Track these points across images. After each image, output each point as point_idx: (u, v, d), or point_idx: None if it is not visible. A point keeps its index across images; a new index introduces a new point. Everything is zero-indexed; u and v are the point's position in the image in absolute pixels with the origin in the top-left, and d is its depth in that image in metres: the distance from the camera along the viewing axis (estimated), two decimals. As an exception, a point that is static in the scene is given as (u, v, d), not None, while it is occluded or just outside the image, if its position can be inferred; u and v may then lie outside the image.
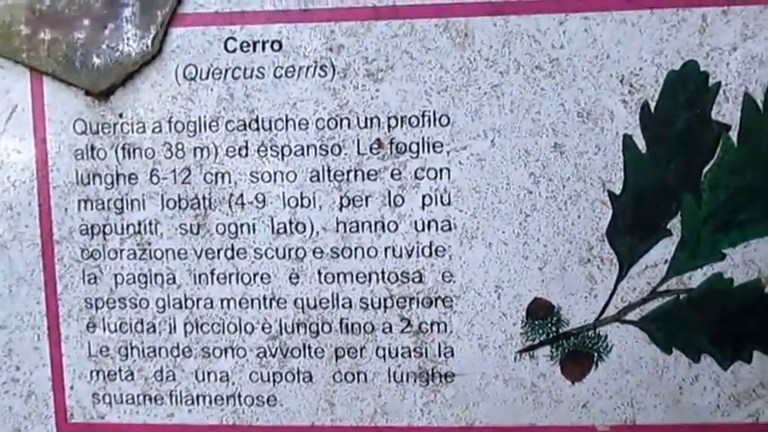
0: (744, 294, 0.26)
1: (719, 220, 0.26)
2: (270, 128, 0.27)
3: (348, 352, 0.28)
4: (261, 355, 0.28)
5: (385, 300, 0.27)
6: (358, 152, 0.27)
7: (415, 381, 0.28)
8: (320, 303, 0.27)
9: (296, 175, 0.27)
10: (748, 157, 0.26)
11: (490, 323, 0.27)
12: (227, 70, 0.27)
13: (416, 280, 0.27)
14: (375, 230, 0.27)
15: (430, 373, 0.27)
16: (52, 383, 0.28)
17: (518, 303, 0.27)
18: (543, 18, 0.26)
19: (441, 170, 0.27)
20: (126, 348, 0.28)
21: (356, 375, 0.28)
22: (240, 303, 0.28)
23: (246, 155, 0.27)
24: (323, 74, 0.27)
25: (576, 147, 0.26)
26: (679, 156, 0.26)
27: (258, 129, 0.27)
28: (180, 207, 0.27)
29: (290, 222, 0.27)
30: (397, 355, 0.27)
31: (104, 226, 0.28)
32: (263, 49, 0.27)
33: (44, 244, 0.28)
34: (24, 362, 0.28)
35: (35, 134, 0.27)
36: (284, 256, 0.27)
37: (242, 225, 0.27)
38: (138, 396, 0.28)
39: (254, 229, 0.27)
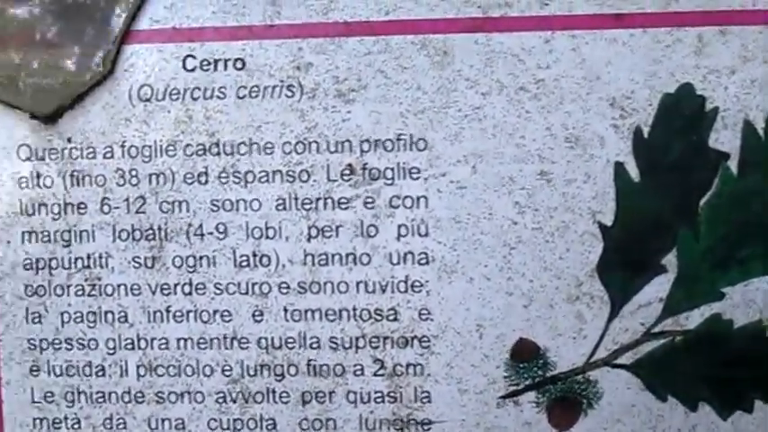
0: (744, 337, 0.24)
1: (718, 257, 0.24)
2: (232, 152, 0.25)
3: (316, 396, 0.25)
4: (220, 400, 0.25)
5: (356, 339, 0.25)
6: (328, 178, 0.25)
7: (388, 428, 0.25)
8: (286, 343, 0.25)
9: (260, 204, 0.25)
10: (749, 189, 0.24)
11: (471, 366, 0.25)
12: (185, 90, 0.25)
13: (391, 318, 0.25)
14: (346, 263, 0.25)
15: (405, 420, 0.25)
16: (-9, 431, 0.26)
17: (501, 344, 0.25)
18: (528, 36, 0.24)
19: (418, 198, 0.25)
20: (73, 393, 0.26)
21: (324, 422, 0.25)
22: (198, 343, 0.25)
23: (206, 182, 0.25)
24: (290, 94, 0.25)
25: (563, 174, 0.24)
26: (674, 185, 0.24)
27: (219, 153, 0.25)
28: (133, 239, 0.25)
29: (254, 255, 0.25)
30: (369, 400, 0.25)
31: (50, 260, 0.25)
32: (225, 67, 0.25)
33: (-16, 278, 0.25)
34: (-39, 407, 0.26)
35: (-25, 160, 0.25)
36: (247, 292, 0.25)
37: (201, 258, 0.25)
38: (85, 445, 0.26)
39: (214, 263, 0.25)
